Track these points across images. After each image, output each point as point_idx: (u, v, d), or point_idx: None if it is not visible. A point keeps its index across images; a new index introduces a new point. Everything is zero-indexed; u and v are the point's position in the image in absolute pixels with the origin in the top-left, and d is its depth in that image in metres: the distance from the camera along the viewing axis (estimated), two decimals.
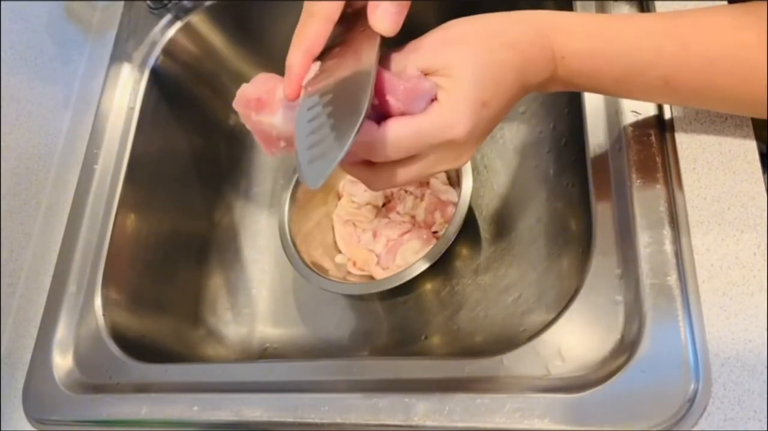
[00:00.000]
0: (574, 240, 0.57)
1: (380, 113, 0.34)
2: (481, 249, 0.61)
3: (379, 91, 0.33)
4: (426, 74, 0.34)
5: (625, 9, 0.50)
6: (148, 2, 0.71)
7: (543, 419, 0.39)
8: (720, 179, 0.41)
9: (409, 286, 0.58)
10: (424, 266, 0.54)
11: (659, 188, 0.43)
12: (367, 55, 0.33)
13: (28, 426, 0.54)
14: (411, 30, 0.53)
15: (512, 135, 0.65)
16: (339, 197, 0.68)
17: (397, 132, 0.33)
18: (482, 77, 0.34)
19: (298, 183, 0.64)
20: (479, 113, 0.34)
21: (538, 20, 0.37)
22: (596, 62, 0.37)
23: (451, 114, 0.33)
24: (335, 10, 0.34)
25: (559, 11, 0.38)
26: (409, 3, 0.35)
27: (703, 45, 0.36)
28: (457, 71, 0.34)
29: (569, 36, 0.37)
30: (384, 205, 0.66)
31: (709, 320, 0.38)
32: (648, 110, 0.45)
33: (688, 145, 0.43)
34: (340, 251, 0.66)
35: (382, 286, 0.56)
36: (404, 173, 0.36)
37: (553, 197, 0.60)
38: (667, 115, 0.45)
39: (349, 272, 0.63)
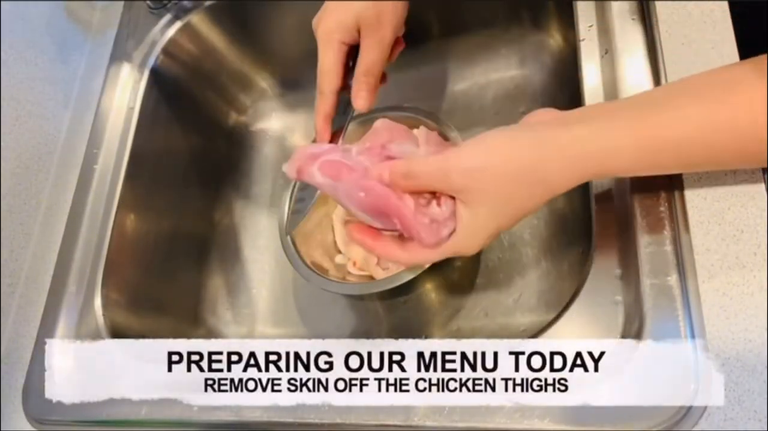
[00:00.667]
0: (574, 240, 0.57)
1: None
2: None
3: (405, 225, 0.41)
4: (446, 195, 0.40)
5: (625, 9, 0.50)
6: (148, 2, 0.71)
7: (543, 419, 0.39)
8: (720, 179, 0.41)
9: (409, 286, 0.58)
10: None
11: (659, 188, 0.43)
12: None
13: (28, 426, 0.54)
14: (411, 30, 0.53)
15: None
16: None
17: (419, 257, 0.44)
18: (501, 210, 0.39)
19: (298, 183, 0.64)
20: (493, 236, 0.41)
21: (574, 148, 0.37)
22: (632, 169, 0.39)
23: (465, 243, 0.41)
24: (335, 86, 0.49)
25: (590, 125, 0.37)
26: (379, 84, 0.49)
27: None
28: (476, 202, 0.39)
29: (606, 163, 0.37)
30: None
31: (709, 320, 0.38)
32: None
33: None
34: (340, 251, 0.66)
35: (382, 286, 0.56)
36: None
37: (554, 198, 0.60)
38: None
39: (349, 272, 0.63)
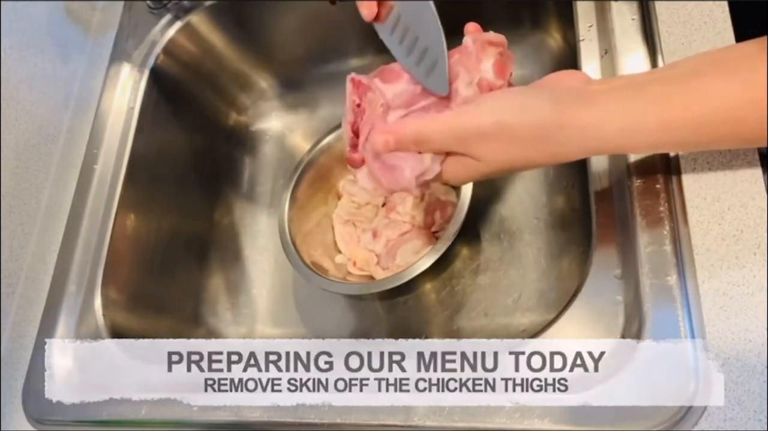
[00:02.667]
0: (574, 240, 0.57)
1: None
2: (481, 249, 0.61)
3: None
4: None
5: (625, 9, 0.50)
6: (148, 2, 0.71)
7: (543, 419, 0.39)
8: (720, 179, 0.41)
9: (409, 286, 0.58)
10: (424, 266, 0.54)
11: (659, 188, 0.43)
12: None
13: (28, 426, 0.54)
14: None
15: None
16: (339, 197, 0.68)
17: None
18: (505, 165, 0.39)
19: (298, 183, 0.64)
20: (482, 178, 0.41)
21: (595, 127, 0.36)
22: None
23: (454, 176, 0.41)
24: None
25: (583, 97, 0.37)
26: None
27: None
28: (484, 159, 0.38)
29: (626, 142, 0.37)
30: (384, 205, 0.66)
31: (709, 320, 0.38)
32: None
33: None
34: (340, 251, 0.66)
35: (382, 286, 0.57)
36: None
37: (553, 197, 0.60)
38: None
39: (349, 272, 0.63)
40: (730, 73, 0.35)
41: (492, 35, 0.41)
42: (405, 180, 0.40)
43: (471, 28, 0.42)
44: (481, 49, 0.40)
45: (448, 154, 0.40)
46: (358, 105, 0.43)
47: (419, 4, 0.40)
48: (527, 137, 0.37)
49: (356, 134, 0.43)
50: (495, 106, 0.38)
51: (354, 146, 0.43)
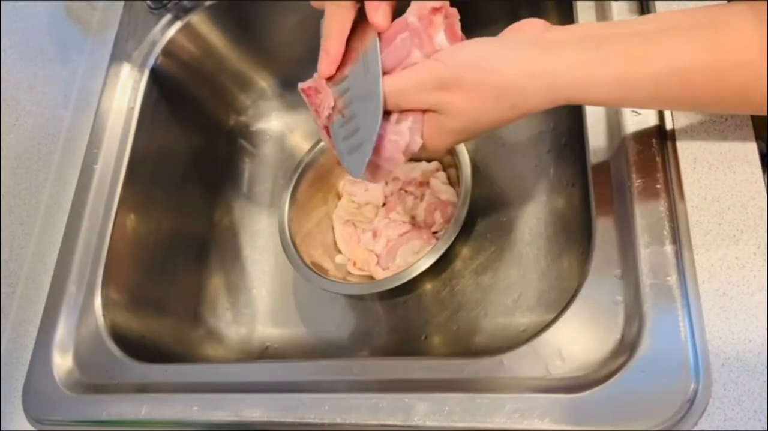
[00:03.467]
0: (574, 240, 0.57)
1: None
2: (481, 249, 0.61)
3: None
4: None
5: (625, 9, 0.50)
6: (148, 2, 0.71)
7: (543, 419, 0.39)
8: (720, 179, 0.41)
9: (409, 286, 0.58)
10: (424, 266, 0.54)
11: (659, 188, 0.43)
12: (373, 62, 0.41)
13: (28, 426, 0.54)
14: None
15: (512, 135, 0.65)
16: (339, 197, 0.68)
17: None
18: (470, 125, 0.40)
19: (298, 183, 0.64)
20: (450, 145, 0.42)
21: (551, 76, 0.37)
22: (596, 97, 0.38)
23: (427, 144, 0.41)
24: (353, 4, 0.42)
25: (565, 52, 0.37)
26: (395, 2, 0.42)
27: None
28: (451, 113, 0.39)
29: (581, 93, 0.37)
30: (384, 205, 0.66)
31: (709, 320, 0.38)
32: (648, 110, 0.45)
33: (688, 145, 0.43)
34: (340, 251, 0.66)
35: (382, 286, 0.56)
36: None
37: (553, 197, 0.60)
38: (668, 115, 0.45)
39: (349, 272, 0.63)
40: (689, 34, 0.35)
41: (432, 2, 0.41)
42: (389, 153, 0.41)
43: None
44: (428, 25, 0.40)
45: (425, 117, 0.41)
46: (317, 111, 0.44)
47: (370, 88, 0.40)
48: (487, 85, 0.37)
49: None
50: (457, 56, 0.39)
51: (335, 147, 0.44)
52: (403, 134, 0.40)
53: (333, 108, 0.43)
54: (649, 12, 0.49)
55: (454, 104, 0.39)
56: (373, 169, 0.43)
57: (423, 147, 0.42)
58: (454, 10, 0.42)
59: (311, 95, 0.44)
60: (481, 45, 0.39)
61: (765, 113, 0.36)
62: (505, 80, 0.37)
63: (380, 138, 0.41)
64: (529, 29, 0.39)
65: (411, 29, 0.40)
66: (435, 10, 0.41)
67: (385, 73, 0.40)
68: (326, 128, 0.44)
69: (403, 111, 0.41)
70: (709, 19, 0.35)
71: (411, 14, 0.41)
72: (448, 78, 0.38)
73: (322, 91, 0.43)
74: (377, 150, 0.41)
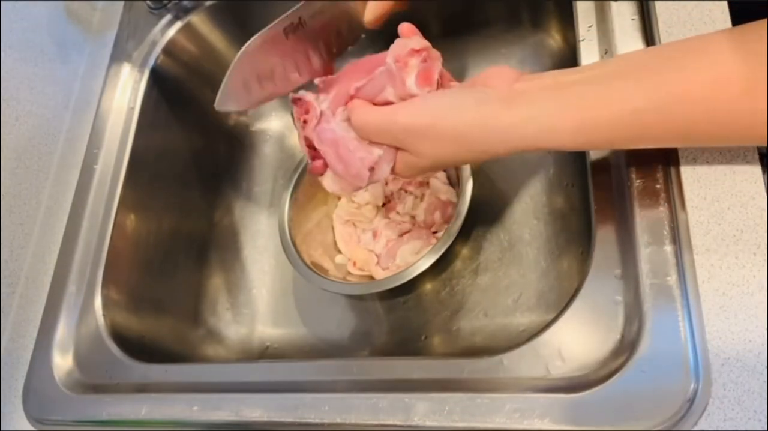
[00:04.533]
0: (574, 240, 0.57)
1: None
2: (481, 249, 0.61)
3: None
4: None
5: (625, 9, 0.50)
6: (148, 2, 0.71)
7: (543, 419, 0.39)
8: (720, 179, 0.41)
9: (409, 286, 0.58)
10: (424, 266, 0.54)
11: (659, 188, 0.43)
12: None
13: (28, 426, 0.54)
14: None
15: None
16: (339, 197, 0.68)
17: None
18: (438, 163, 0.42)
19: (298, 183, 0.64)
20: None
21: (514, 130, 0.38)
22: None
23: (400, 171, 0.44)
24: None
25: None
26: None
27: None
28: (417, 154, 0.41)
29: (543, 143, 0.38)
30: (384, 205, 0.66)
31: (709, 320, 0.38)
32: None
33: None
34: (340, 251, 0.66)
35: (382, 286, 0.56)
36: None
37: (553, 197, 0.60)
38: None
39: (349, 272, 0.63)
40: (639, 76, 0.36)
41: (415, 42, 0.43)
42: (355, 169, 0.43)
43: (404, 29, 0.44)
44: (402, 68, 0.42)
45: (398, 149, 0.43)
46: (305, 122, 0.45)
47: None
48: (455, 136, 0.39)
49: (311, 146, 0.46)
50: (425, 107, 0.40)
51: (313, 158, 0.46)
52: (372, 155, 0.42)
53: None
54: (648, 12, 0.49)
55: (420, 149, 0.40)
56: (338, 178, 0.45)
57: (397, 175, 0.44)
58: (437, 54, 0.43)
59: (301, 106, 0.46)
60: (445, 98, 0.40)
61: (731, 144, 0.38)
62: (465, 136, 0.39)
63: (349, 153, 0.42)
64: (498, 81, 0.40)
65: (386, 68, 0.42)
66: (414, 51, 0.42)
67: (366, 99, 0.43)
68: (307, 139, 0.46)
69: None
70: (664, 56, 0.36)
71: (390, 54, 0.42)
72: (409, 131, 0.40)
73: (309, 103, 0.45)
74: (345, 163, 0.43)
